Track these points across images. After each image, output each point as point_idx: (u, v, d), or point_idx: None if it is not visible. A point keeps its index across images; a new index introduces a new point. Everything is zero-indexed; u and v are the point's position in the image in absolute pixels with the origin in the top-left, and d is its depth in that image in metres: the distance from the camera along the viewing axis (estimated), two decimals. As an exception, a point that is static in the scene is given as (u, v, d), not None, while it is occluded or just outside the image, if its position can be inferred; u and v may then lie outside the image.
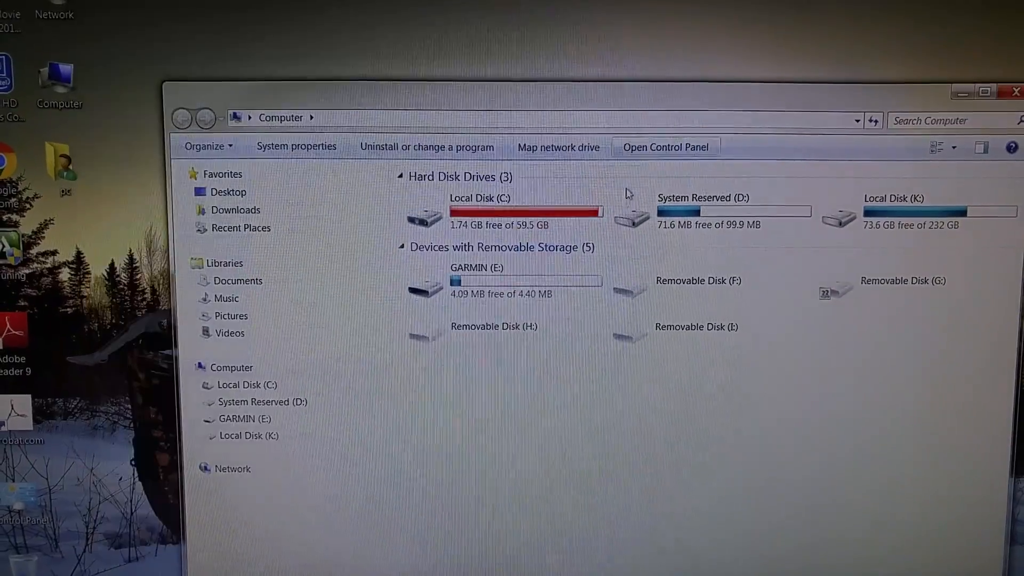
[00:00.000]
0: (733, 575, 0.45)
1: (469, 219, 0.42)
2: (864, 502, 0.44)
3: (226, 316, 0.42)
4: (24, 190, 0.42)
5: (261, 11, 0.40)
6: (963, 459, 0.44)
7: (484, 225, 0.42)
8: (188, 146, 0.41)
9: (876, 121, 0.41)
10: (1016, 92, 0.41)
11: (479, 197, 0.42)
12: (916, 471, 0.44)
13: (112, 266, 0.42)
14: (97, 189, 0.42)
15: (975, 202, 0.42)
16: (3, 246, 0.42)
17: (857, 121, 0.41)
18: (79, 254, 0.42)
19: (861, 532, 0.44)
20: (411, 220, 0.42)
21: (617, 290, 0.42)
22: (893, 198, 0.42)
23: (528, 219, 0.42)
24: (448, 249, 0.42)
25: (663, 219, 0.42)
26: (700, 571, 0.45)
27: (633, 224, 0.42)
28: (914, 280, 0.42)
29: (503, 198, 0.42)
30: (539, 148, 0.41)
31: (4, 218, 0.42)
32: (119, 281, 0.42)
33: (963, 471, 0.44)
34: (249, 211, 0.42)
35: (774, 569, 0.45)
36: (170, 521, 0.44)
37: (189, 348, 0.43)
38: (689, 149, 0.41)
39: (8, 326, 0.42)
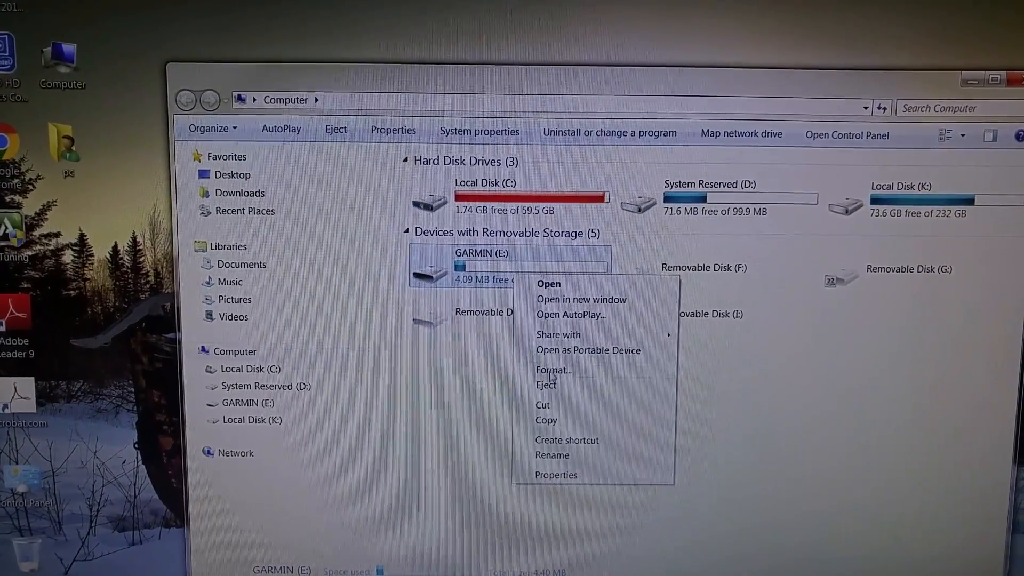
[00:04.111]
0: (734, 565, 0.45)
1: (474, 204, 0.42)
2: (867, 490, 0.44)
3: (229, 300, 0.42)
4: (27, 171, 0.41)
5: (267, -9, 0.40)
6: (967, 448, 0.44)
7: (489, 210, 0.42)
8: (192, 128, 0.41)
9: (884, 108, 0.41)
10: (1026, 80, 0.41)
11: (485, 182, 0.42)
12: (920, 459, 0.44)
13: (115, 248, 0.42)
14: (100, 171, 0.41)
15: (983, 191, 0.42)
16: (6, 228, 0.42)
17: (865, 108, 0.41)
18: (82, 236, 0.42)
19: (864, 520, 0.44)
20: (416, 205, 0.42)
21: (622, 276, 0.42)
22: (900, 186, 0.42)
23: (534, 204, 0.42)
24: (453, 234, 0.42)
25: (669, 205, 0.42)
26: (700, 561, 0.45)
27: (639, 210, 0.42)
28: (920, 269, 0.42)
29: (509, 183, 0.42)
30: (546, 133, 0.41)
31: (7, 199, 0.42)
32: (122, 264, 0.42)
33: (966, 460, 0.44)
34: (253, 194, 0.42)
35: (778, 558, 0.45)
36: (173, 504, 0.44)
37: (192, 332, 0.43)
38: (696, 135, 0.41)
39: (11, 308, 0.42)
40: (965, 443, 0.44)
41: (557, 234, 0.42)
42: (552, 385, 0.43)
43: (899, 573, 0.45)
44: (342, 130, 0.41)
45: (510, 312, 0.43)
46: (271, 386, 0.43)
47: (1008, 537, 0.44)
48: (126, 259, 0.42)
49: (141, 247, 0.42)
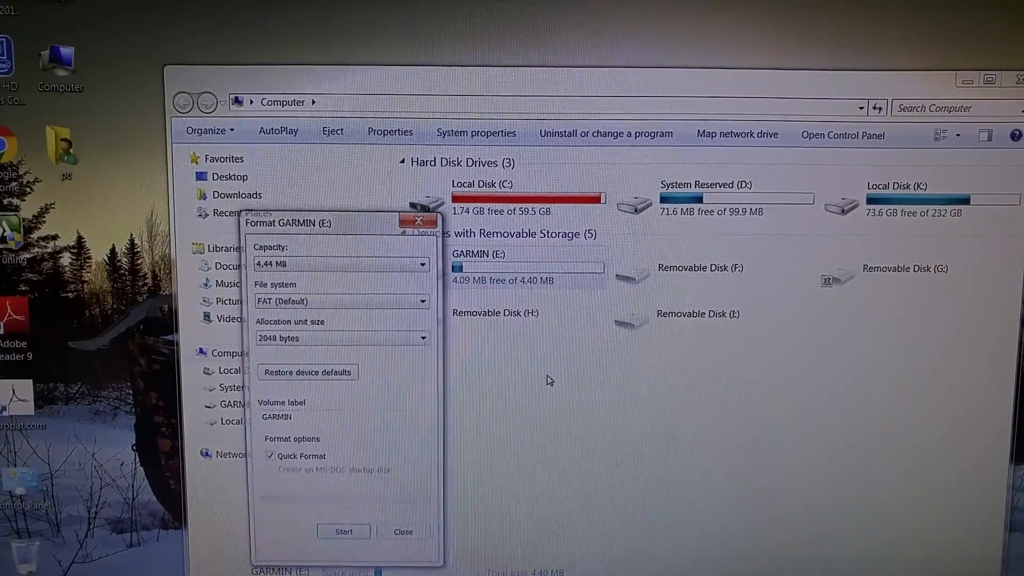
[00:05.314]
0: (734, 563, 0.45)
1: (471, 205, 0.42)
2: (864, 489, 0.44)
3: (227, 302, 0.42)
4: (25, 174, 0.41)
5: (263, -6, 0.40)
6: (964, 447, 0.44)
7: (486, 211, 0.42)
8: (189, 130, 0.41)
9: (880, 108, 0.41)
10: (1021, 80, 0.41)
11: (481, 183, 0.42)
12: (917, 459, 0.44)
13: (113, 251, 0.42)
14: (98, 173, 0.41)
15: (978, 190, 0.42)
16: (4, 230, 0.42)
17: (861, 108, 0.41)
18: (80, 239, 0.42)
19: (861, 519, 0.44)
20: (413, 206, 0.42)
21: (619, 277, 0.42)
22: (896, 186, 0.42)
23: (530, 205, 0.42)
24: (450, 235, 0.42)
25: (666, 206, 0.42)
26: (698, 559, 0.45)
27: (635, 211, 0.42)
28: (916, 268, 0.42)
29: (505, 184, 0.42)
30: (542, 134, 0.41)
31: (5, 202, 0.42)
32: (120, 266, 0.42)
33: (963, 459, 0.44)
34: (250, 196, 0.42)
35: (775, 558, 0.45)
36: (171, 506, 0.44)
37: (190, 333, 0.43)
38: (692, 136, 0.41)
39: (9, 311, 0.42)
40: (962, 442, 0.44)
41: (554, 235, 0.42)
42: (551, 386, 0.43)
43: (897, 571, 0.45)
44: (339, 132, 0.41)
45: (508, 313, 0.43)
46: (269, 388, 0.43)
47: (1005, 536, 0.45)
48: (124, 261, 0.42)
49: (139, 249, 0.42)
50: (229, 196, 0.42)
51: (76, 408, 0.43)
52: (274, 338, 0.42)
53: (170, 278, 0.42)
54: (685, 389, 0.43)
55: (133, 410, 0.43)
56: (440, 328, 0.42)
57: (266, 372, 0.43)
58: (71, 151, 0.41)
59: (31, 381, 0.43)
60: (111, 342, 0.43)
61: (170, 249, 0.42)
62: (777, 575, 0.45)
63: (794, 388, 0.43)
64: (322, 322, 0.42)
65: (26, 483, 0.44)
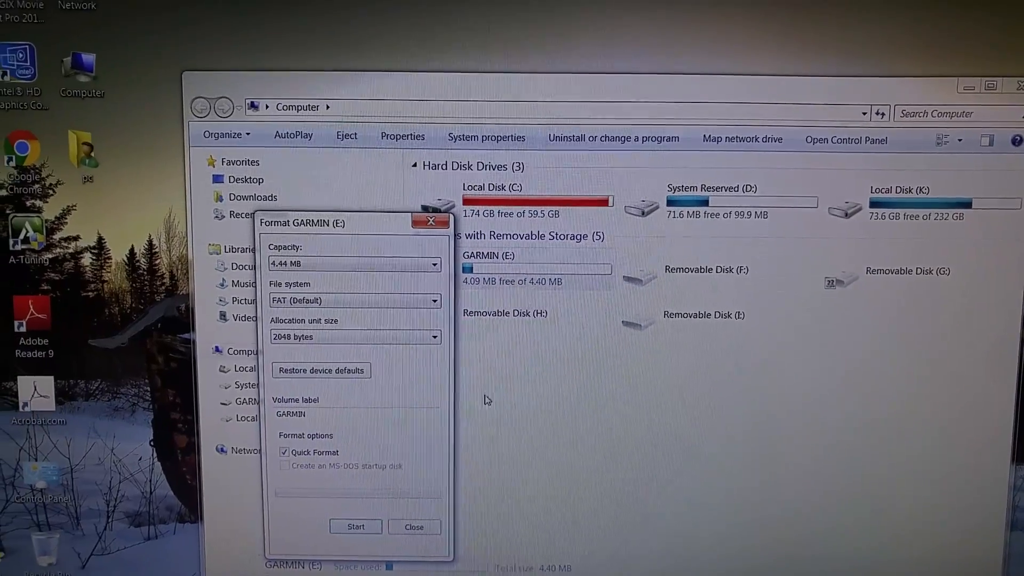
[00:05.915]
0: (737, 561, 0.46)
1: (481, 208, 0.43)
2: (867, 488, 0.45)
3: (243, 301, 0.43)
4: (47, 176, 0.42)
5: (280, 1, 0.41)
6: (965, 447, 0.44)
7: (496, 214, 0.43)
8: (207, 134, 0.42)
9: (883, 114, 0.42)
10: (1021, 86, 0.42)
11: (491, 186, 0.43)
12: (919, 459, 0.44)
13: (132, 251, 0.43)
14: (118, 176, 0.42)
15: (980, 194, 0.42)
16: (27, 231, 0.43)
17: (864, 114, 0.42)
18: (100, 239, 0.43)
19: (865, 518, 0.45)
20: (425, 209, 0.43)
21: (626, 278, 0.43)
22: (899, 190, 0.42)
23: (539, 208, 0.43)
24: (460, 237, 0.43)
25: (672, 209, 0.43)
26: (702, 556, 0.46)
27: (643, 214, 0.43)
28: (919, 271, 0.43)
29: (515, 187, 0.43)
30: (551, 138, 0.42)
31: (28, 204, 0.43)
32: (139, 266, 0.43)
33: (965, 458, 0.44)
34: (266, 198, 0.43)
35: (779, 555, 0.45)
36: (188, 501, 0.45)
37: (206, 332, 0.44)
38: (698, 140, 0.42)
39: (32, 309, 0.43)
40: (964, 442, 0.44)
41: (562, 237, 0.43)
42: (558, 385, 0.44)
43: (900, 570, 0.45)
44: (353, 136, 0.42)
45: (517, 313, 0.43)
46: (283, 385, 0.44)
47: (1006, 534, 0.45)
48: (142, 262, 0.43)
49: (157, 250, 0.43)
50: (245, 198, 0.43)
51: (96, 404, 0.44)
52: (288, 337, 0.43)
53: (187, 278, 0.43)
54: (691, 388, 0.44)
55: (151, 407, 0.44)
56: (452, 327, 0.43)
57: (280, 370, 0.44)
58: (92, 155, 0.42)
59: (52, 378, 0.44)
60: (130, 340, 0.44)
61: (187, 250, 0.43)
62: (782, 572, 0.46)
63: (798, 388, 0.44)
64: (335, 321, 0.43)
65: (47, 477, 0.45)
